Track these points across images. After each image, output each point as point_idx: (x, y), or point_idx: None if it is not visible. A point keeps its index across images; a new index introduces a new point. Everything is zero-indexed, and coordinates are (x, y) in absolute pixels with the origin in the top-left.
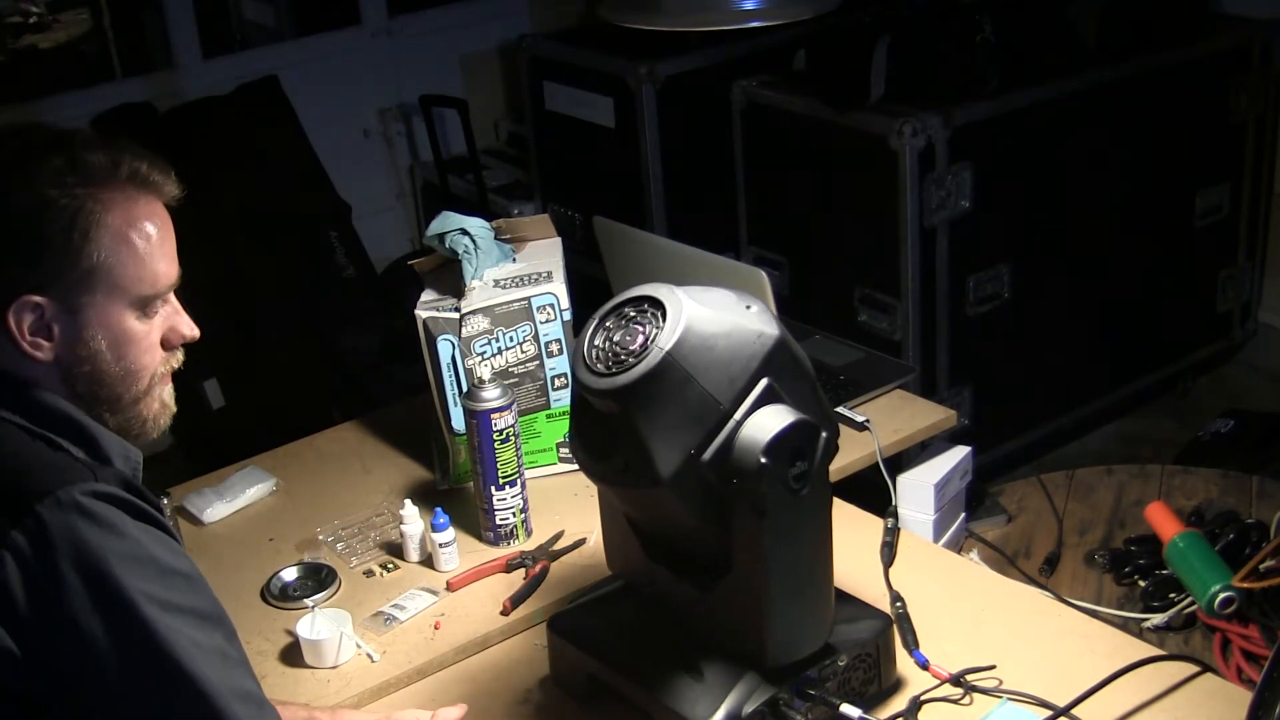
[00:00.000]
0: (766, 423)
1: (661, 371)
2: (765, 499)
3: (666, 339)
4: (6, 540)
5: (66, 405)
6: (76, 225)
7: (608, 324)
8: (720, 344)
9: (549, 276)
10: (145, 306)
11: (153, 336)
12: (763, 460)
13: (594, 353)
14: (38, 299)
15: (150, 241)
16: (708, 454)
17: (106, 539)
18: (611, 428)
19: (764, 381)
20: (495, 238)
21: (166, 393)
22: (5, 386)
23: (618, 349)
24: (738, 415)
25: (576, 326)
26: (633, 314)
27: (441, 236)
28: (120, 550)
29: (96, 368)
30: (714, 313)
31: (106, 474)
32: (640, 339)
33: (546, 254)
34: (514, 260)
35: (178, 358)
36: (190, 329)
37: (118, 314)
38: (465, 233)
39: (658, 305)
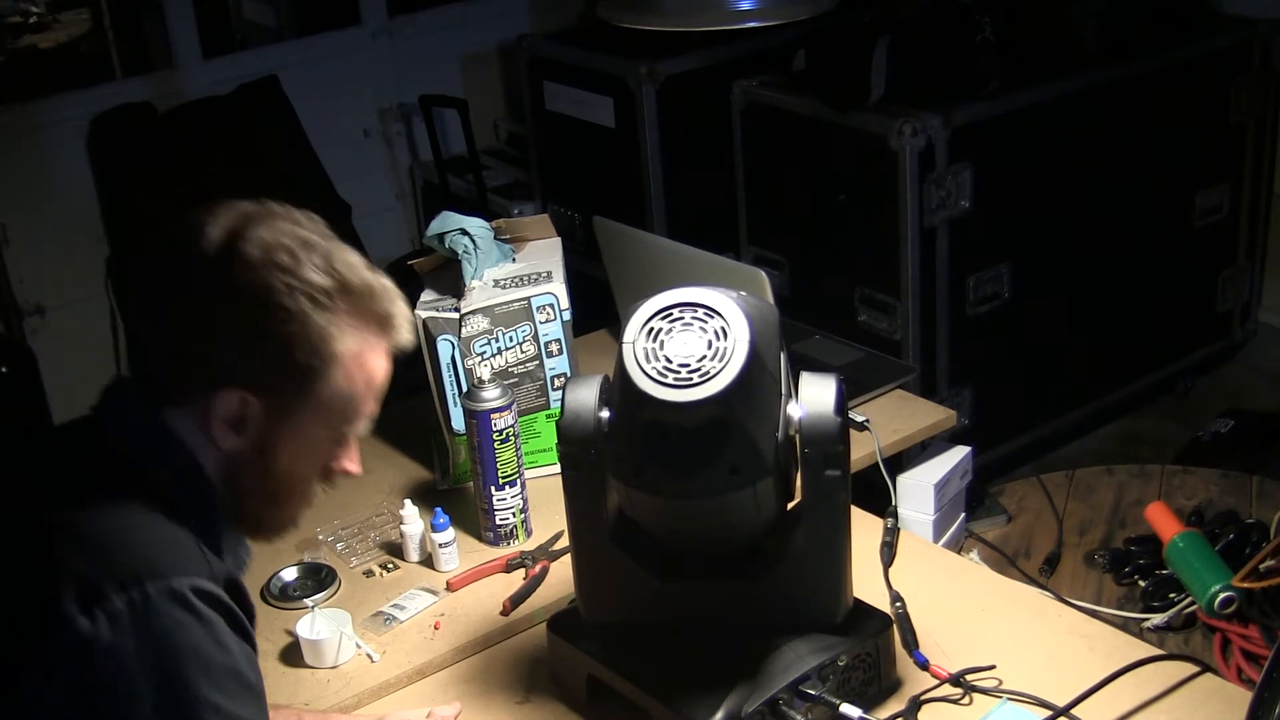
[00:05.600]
0: (819, 387)
1: (753, 362)
2: (842, 455)
3: (745, 331)
4: (107, 602)
5: (210, 489)
6: (321, 348)
7: (646, 345)
8: (762, 327)
9: (549, 276)
10: (339, 438)
11: (327, 462)
12: (838, 419)
13: (654, 371)
14: (251, 397)
15: (373, 384)
16: (780, 433)
17: (200, 641)
18: (706, 437)
19: (784, 353)
20: (495, 238)
21: (300, 512)
22: (167, 450)
23: (686, 360)
24: (784, 389)
25: (576, 327)
26: (667, 326)
27: (441, 236)
28: (206, 656)
29: (267, 472)
30: (739, 300)
31: (219, 571)
32: (707, 341)
33: (546, 254)
34: (514, 260)
35: (332, 485)
36: (355, 466)
37: (312, 434)
38: (465, 233)
39: (695, 307)
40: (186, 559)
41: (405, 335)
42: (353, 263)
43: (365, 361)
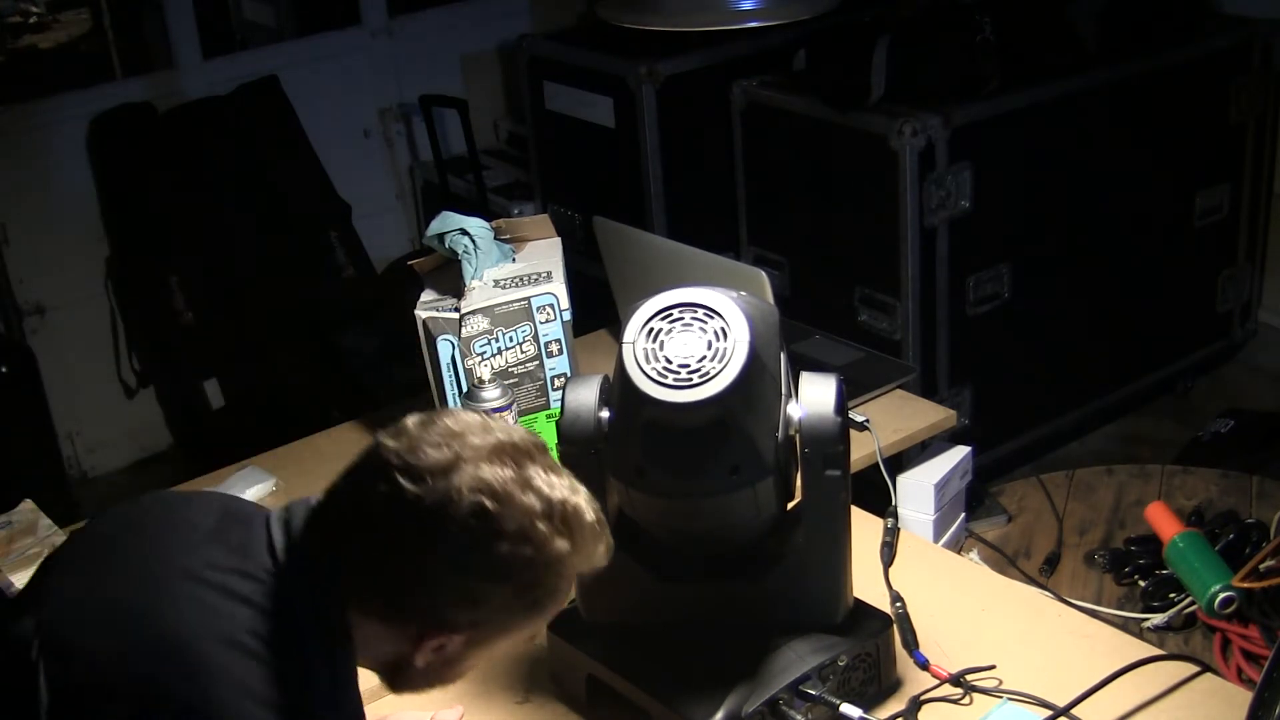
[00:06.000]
0: (819, 387)
1: (753, 363)
2: (842, 455)
3: (745, 332)
4: None
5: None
6: (543, 608)
7: (646, 345)
8: (762, 327)
9: (549, 276)
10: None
11: None
12: (838, 419)
13: (654, 371)
14: (457, 636)
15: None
16: (780, 433)
17: None
18: (707, 437)
19: (784, 353)
20: (495, 238)
21: None
22: (335, 643)
23: (685, 360)
24: (784, 389)
25: (576, 327)
26: (667, 326)
27: (441, 236)
28: None
29: (442, 676)
30: (739, 300)
31: None
32: (707, 341)
33: (546, 254)
34: (514, 260)
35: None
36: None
37: (497, 649)
38: (465, 233)
39: (695, 307)
40: None
41: (605, 559)
42: (579, 510)
43: (566, 595)
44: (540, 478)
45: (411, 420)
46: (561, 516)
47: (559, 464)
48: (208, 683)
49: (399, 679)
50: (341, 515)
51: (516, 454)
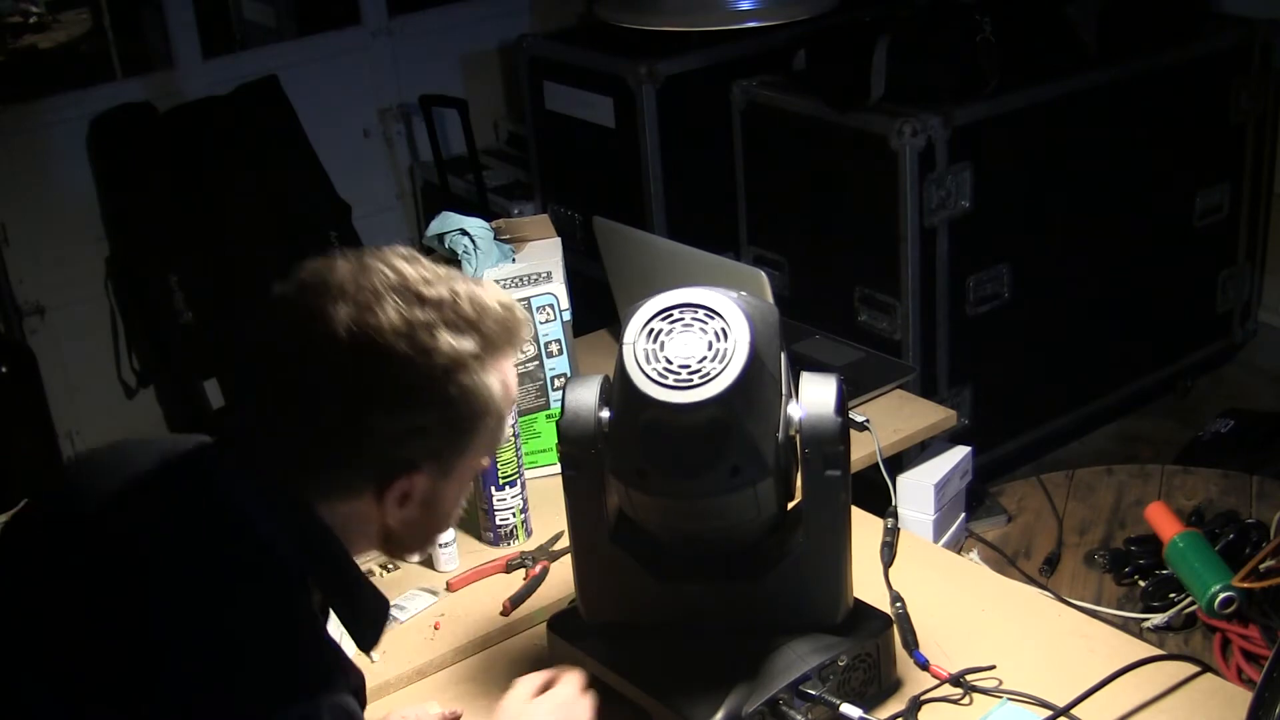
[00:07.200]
0: (819, 387)
1: (753, 363)
2: (842, 455)
3: (745, 332)
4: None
5: (356, 564)
6: (477, 404)
7: (646, 345)
8: (762, 327)
9: (549, 277)
10: (490, 454)
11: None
12: (838, 419)
13: (654, 372)
14: (417, 474)
15: (513, 396)
16: (780, 433)
17: None
18: (707, 438)
19: (785, 352)
20: (495, 238)
21: None
22: (324, 550)
23: (686, 361)
24: (784, 389)
25: (576, 327)
26: (667, 327)
27: (441, 236)
28: None
29: (428, 525)
30: (740, 301)
31: (358, 680)
32: (708, 342)
33: (546, 254)
34: (514, 260)
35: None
36: (488, 461)
37: (473, 468)
38: (465, 233)
39: (696, 308)
40: (333, 675)
41: (526, 336)
42: (480, 300)
43: (508, 387)
44: (427, 289)
45: (282, 291)
46: (461, 315)
47: (439, 265)
48: None
49: (391, 546)
50: (253, 418)
51: (400, 280)
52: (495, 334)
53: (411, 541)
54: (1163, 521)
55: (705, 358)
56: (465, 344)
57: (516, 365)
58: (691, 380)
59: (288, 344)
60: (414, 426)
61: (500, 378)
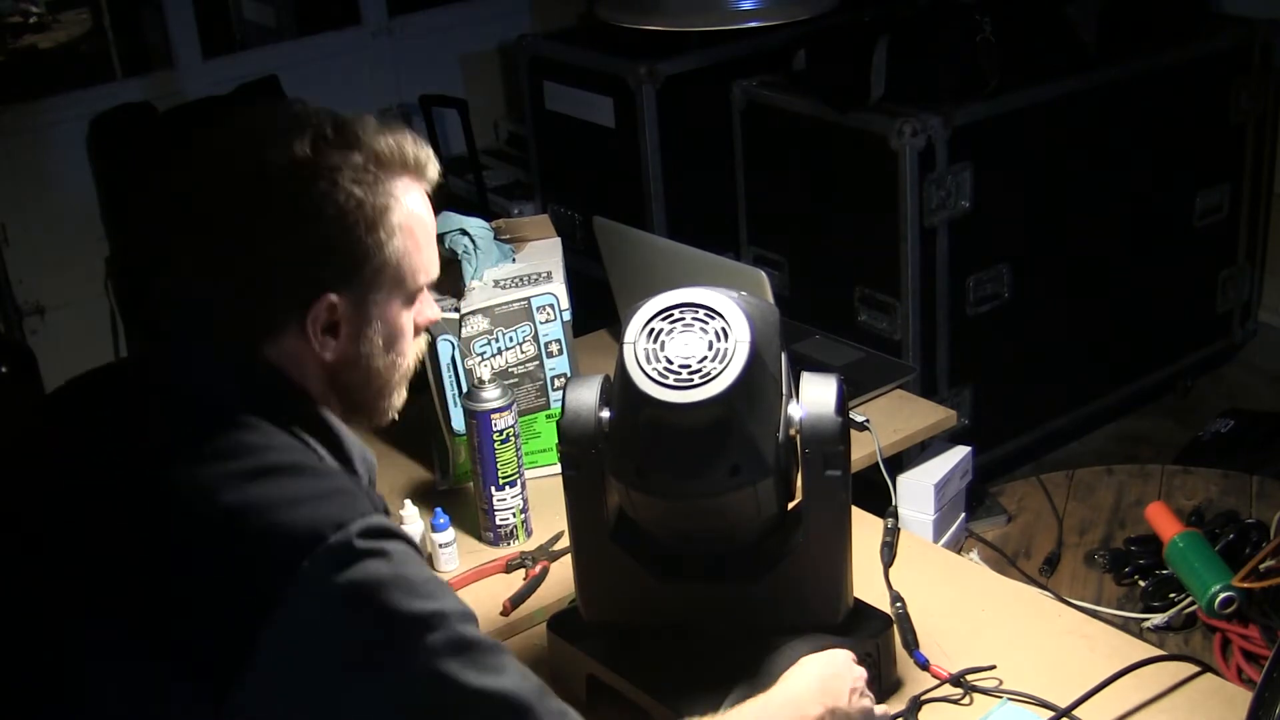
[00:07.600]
0: (819, 387)
1: (754, 363)
2: (842, 455)
3: (745, 332)
4: (299, 572)
5: (323, 409)
6: (380, 223)
7: (646, 345)
8: (763, 327)
9: (549, 277)
10: (414, 297)
11: (413, 325)
12: (838, 419)
13: (655, 372)
14: (334, 298)
15: (428, 231)
16: (781, 433)
17: (398, 571)
18: (707, 438)
19: (785, 352)
20: (495, 238)
21: (404, 387)
22: (284, 389)
23: (687, 360)
24: (784, 389)
25: (576, 327)
26: (667, 327)
27: (441, 236)
28: (409, 581)
29: (369, 365)
30: (740, 300)
31: (378, 501)
32: (708, 342)
33: (546, 254)
34: (514, 260)
35: (422, 345)
36: (435, 311)
37: (395, 307)
38: (465, 233)
39: (696, 307)
40: (348, 501)
41: (434, 171)
42: (368, 124)
43: (416, 213)
44: (313, 119)
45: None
46: (343, 133)
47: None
48: None
49: (343, 399)
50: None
51: (286, 116)
52: (385, 153)
53: (358, 390)
54: (1163, 521)
55: (706, 358)
56: (349, 157)
57: (516, 365)
58: (692, 380)
59: (180, 193)
60: (309, 245)
61: (395, 197)
